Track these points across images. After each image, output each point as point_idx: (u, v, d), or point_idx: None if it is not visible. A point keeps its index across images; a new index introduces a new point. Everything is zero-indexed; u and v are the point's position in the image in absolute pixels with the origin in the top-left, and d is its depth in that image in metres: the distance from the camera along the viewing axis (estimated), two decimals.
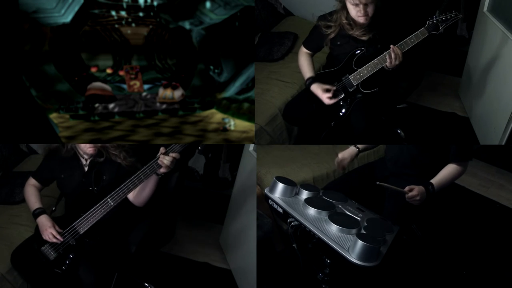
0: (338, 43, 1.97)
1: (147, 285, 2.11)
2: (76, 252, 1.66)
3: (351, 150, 1.99)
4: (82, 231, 1.64)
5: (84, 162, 1.78)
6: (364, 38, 1.89)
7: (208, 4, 3.19)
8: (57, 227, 1.66)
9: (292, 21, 3.12)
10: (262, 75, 2.45)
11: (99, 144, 1.77)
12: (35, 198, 1.81)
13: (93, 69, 4.09)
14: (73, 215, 1.66)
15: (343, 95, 1.96)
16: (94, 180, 1.72)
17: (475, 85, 2.70)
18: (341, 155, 1.98)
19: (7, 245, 1.84)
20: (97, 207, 1.62)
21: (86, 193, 1.71)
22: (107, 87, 4.00)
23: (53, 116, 3.71)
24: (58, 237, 1.63)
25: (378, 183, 1.74)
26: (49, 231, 1.64)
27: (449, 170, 1.74)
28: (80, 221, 1.63)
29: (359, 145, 2.01)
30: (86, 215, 1.62)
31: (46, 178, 1.87)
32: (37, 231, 1.72)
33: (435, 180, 1.71)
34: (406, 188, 1.67)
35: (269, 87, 2.33)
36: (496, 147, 3.67)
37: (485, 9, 2.50)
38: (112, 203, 1.61)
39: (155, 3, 3.74)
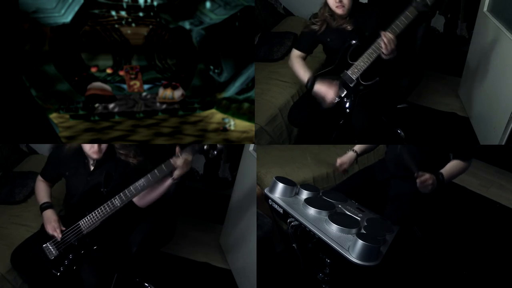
0: (328, 39, 2.00)
1: (147, 285, 2.11)
2: (76, 253, 1.65)
3: (350, 155, 1.99)
4: (85, 231, 1.64)
5: (91, 161, 1.77)
6: (349, 28, 1.91)
7: (208, 4, 3.19)
8: (61, 224, 1.66)
9: (292, 21, 3.12)
10: (262, 75, 2.45)
11: (104, 147, 1.75)
12: (43, 193, 1.82)
13: (93, 69, 4.09)
14: (78, 214, 1.65)
15: (345, 92, 1.95)
16: (104, 182, 1.71)
17: (475, 85, 2.70)
18: (339, 160, 1.98)
19: (7, 245, 1.83)
20: (104, 207, 1.61)
21: (95, 194, 1.71)
22: (107, 87, 3.99)
23: (53, 116, 3.71)
24: (58, 231, 1.62)
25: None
26: (53, 224, 1.64)
27: (454, 164, 1.73)
28: (85, 220, 1.63)
29: (356, 149, 2.01)
30: (91, 215, 1.62)
31: (52, 176, 1.87)
32: (42, 228, 1.72)
33: (444, 170, 1.69)
34: (421, 173, 1.64)
35: (269, 87, 2.33)
36: (496, 147, 3.67)
37: (485, 9, 2.50)
38: (118, 204, 1.61)
39: (155, 3, 3.74)
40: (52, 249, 1.64)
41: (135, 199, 1.71)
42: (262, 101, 2.22)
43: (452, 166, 1.74)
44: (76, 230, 1.63)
